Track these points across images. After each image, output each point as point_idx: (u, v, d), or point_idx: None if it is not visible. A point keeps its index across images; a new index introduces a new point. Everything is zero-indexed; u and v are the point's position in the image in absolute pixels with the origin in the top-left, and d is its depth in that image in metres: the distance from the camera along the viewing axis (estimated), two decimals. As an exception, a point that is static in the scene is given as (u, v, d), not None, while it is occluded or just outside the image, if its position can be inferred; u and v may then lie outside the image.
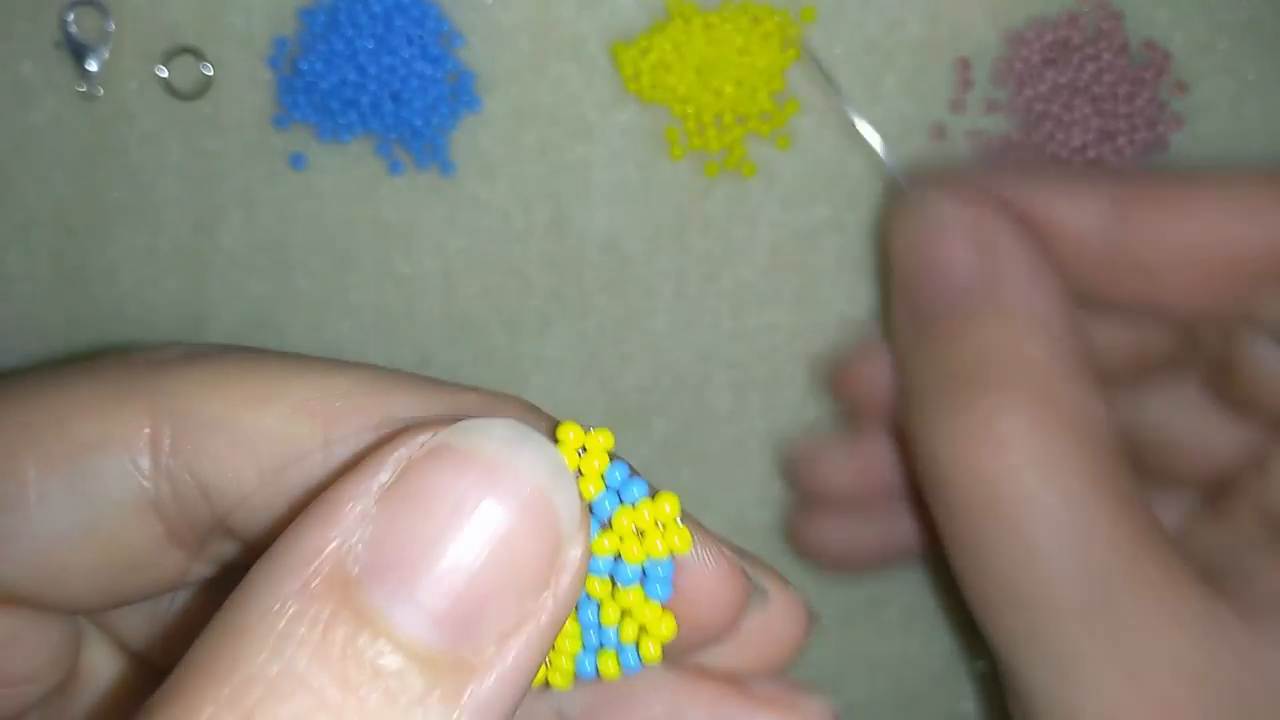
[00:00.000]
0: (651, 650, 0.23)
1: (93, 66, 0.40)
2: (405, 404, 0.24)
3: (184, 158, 0.41)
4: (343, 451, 0.23)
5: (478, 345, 0.42)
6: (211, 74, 0.40)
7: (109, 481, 0.24)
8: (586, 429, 0.22)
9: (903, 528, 0.40)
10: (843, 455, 0.40)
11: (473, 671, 0.19)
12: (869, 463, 0.40)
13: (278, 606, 0.18)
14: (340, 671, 0.18)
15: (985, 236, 0.35)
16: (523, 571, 0.19)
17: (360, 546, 0.19)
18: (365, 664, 0.18)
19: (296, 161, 0.41)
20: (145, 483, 0.24)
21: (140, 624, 0.29)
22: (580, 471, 0.22)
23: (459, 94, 0.40)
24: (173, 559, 0.25)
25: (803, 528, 0.42)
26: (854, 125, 0.34)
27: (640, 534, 0.23)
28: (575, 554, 0.20)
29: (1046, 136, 0.41)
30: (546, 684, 0.24)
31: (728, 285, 0.42)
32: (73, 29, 0.39)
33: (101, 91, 0.40)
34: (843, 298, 0.42)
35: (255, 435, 0.23)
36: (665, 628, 0.23)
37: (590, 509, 0.22)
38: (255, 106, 0.40)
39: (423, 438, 0.20)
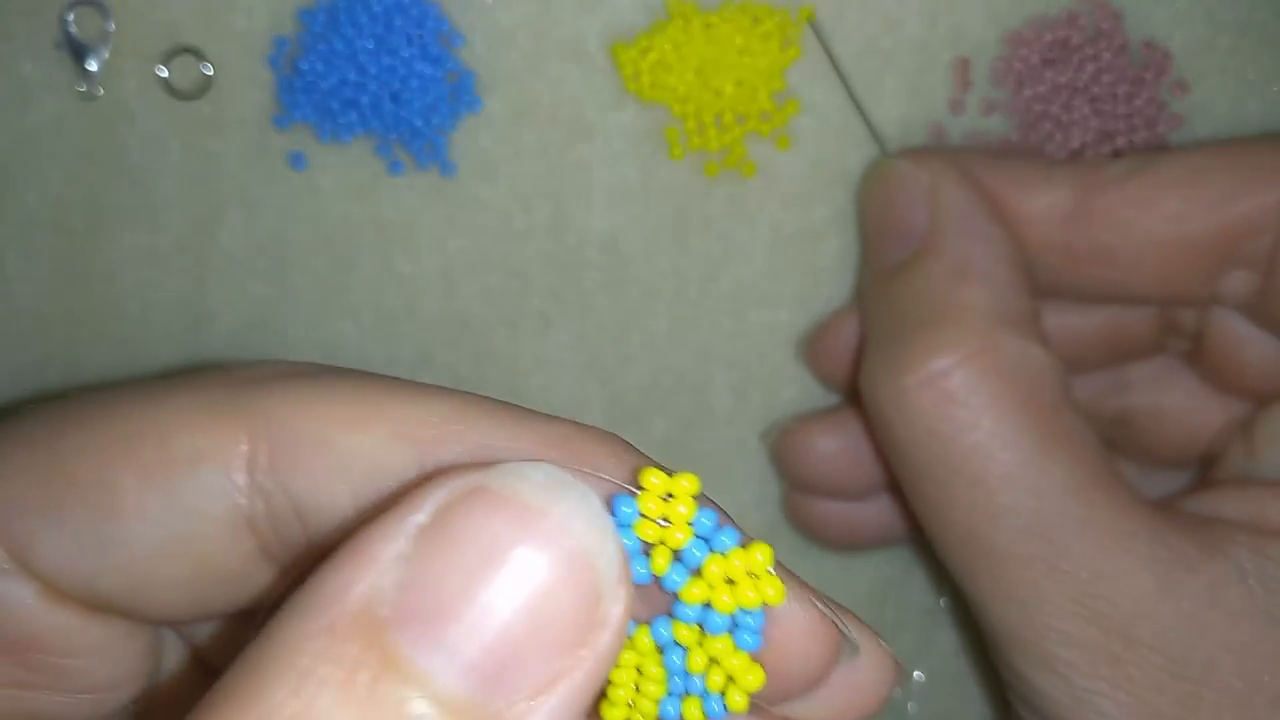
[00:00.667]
0: (738, 700, 0.23)
1: (93, 66, 0.40)
2: (499, 433, 0.23)
3: (184, 158, 0.41)
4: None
5: (478, 345, 0.42)
6: (211, 74, 0.40)
7: (205, 496, 0.24)
8: (670, 473, 0.22)
9: (898, 504, 0.40)
10: (825, 436, 0.40)
11: None
12: (851, 441, 0.39)
13: (302, 644, 0.18)
14: (363, 715, 0.17)
15: (934, 193, 0.36)
16: (558, 625, 0.19)
17: (392, 588, 0.18)
18: (390, 709, 0.18)
19: (296, 161, 0.41)
20: (241, 499, 0.24)
21: (211, 626, 0.29)
22: (667, 519, 0.22)
23: (459, 94, 0.40)
24: (264, 574, 0.25)
25: (800, 509, 0.42)
26: (851, 95, 0.35)
27: (731, 583, 0.22)
28: (615, 611, 0.19)
29: (1046, 136, 0.41)
30: None
31: (728, 285, 0.42)
32: (73, 29, 0.39)
33: (101, 91, 0.40)
34: (843, 298, 0.42)
35: (351, 457, 0.23)
36: (753, 678, 0.23)
37: (679, 556, 0.22)
38: (255, 106, 0.40)
39: (462, 480, 0.19)
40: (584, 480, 0.21)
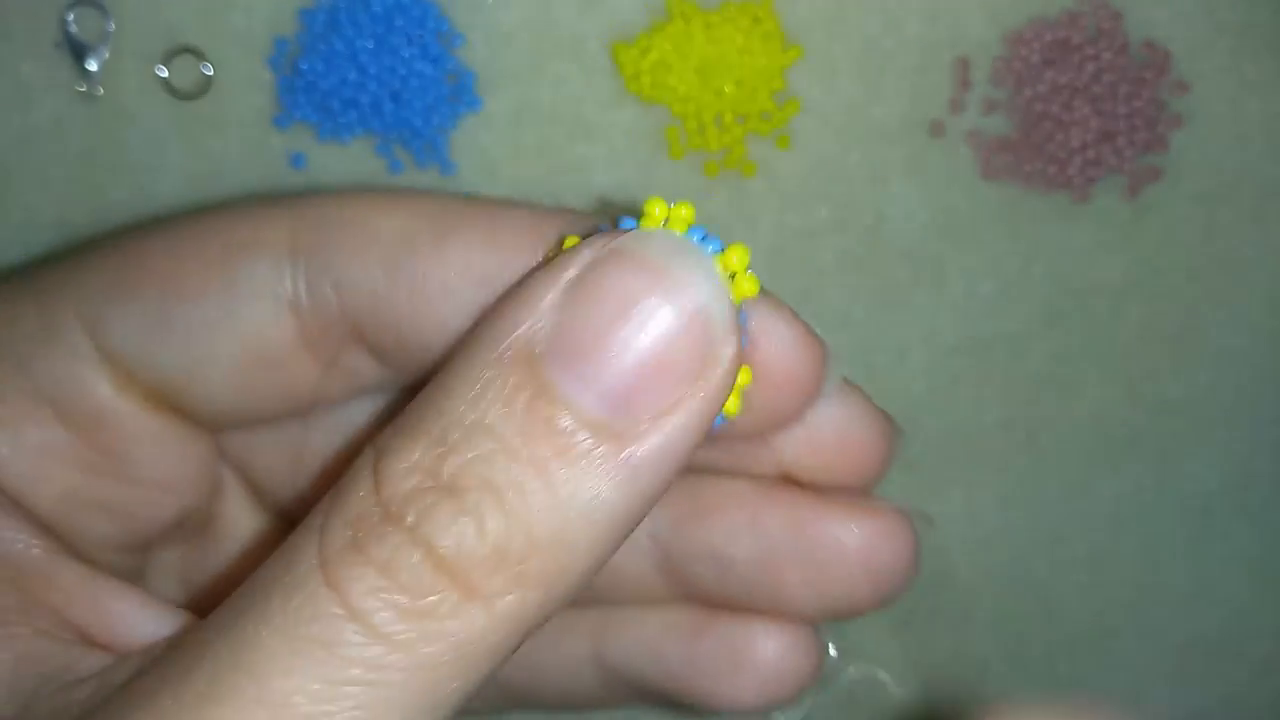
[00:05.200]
0: (731, 403, 0.24)
1: (93, 66, 0.40)
2: (508, 215, 0.27)
3: (184, 158, 0.41)
4: (455, 251, 0.27)
5: (478, 345, 0.42)
6: (211, 74, 0.40)
7: (255, 278, 0.27)
8: (670, 204, 0.24)
9: None
10: None
11: (630, 440, 0.22)
12: None
13: (476, 371, 0.22)
14: (521, 426, 0.22)
15: None
16: (676, 362, 0.22)
17: (545, 329, 0.22)
18: (541, 422, 0.22)
19: (296, 161, 0.41)
20: (285, 280, 0.27)
21: (282, 473, 0.32)
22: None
23: (459, 94, 0.40)
24: (306, 366, 0.28)
25: None
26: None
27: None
28: (727, 353, 0.23)
29: (1046, 136, 0.41)
30: None
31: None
32: (73, 29, 0.39)
33: (101, 91, 0.40)
34: (843, 298, 0.42)
35: (382, 231, 0.27)
36: (742, 376, 0.25)
37: None
38: (255, 106, 0.40)
39: (603, 241, 0.23)
40: (603, 221, 0.25)
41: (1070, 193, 0.42)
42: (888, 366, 0.43)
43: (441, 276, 0.27)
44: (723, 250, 0.24)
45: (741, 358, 0.24)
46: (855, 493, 0.30)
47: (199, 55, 0.40)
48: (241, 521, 0.32)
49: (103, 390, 0.28)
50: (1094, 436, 0.44)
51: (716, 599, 0.31)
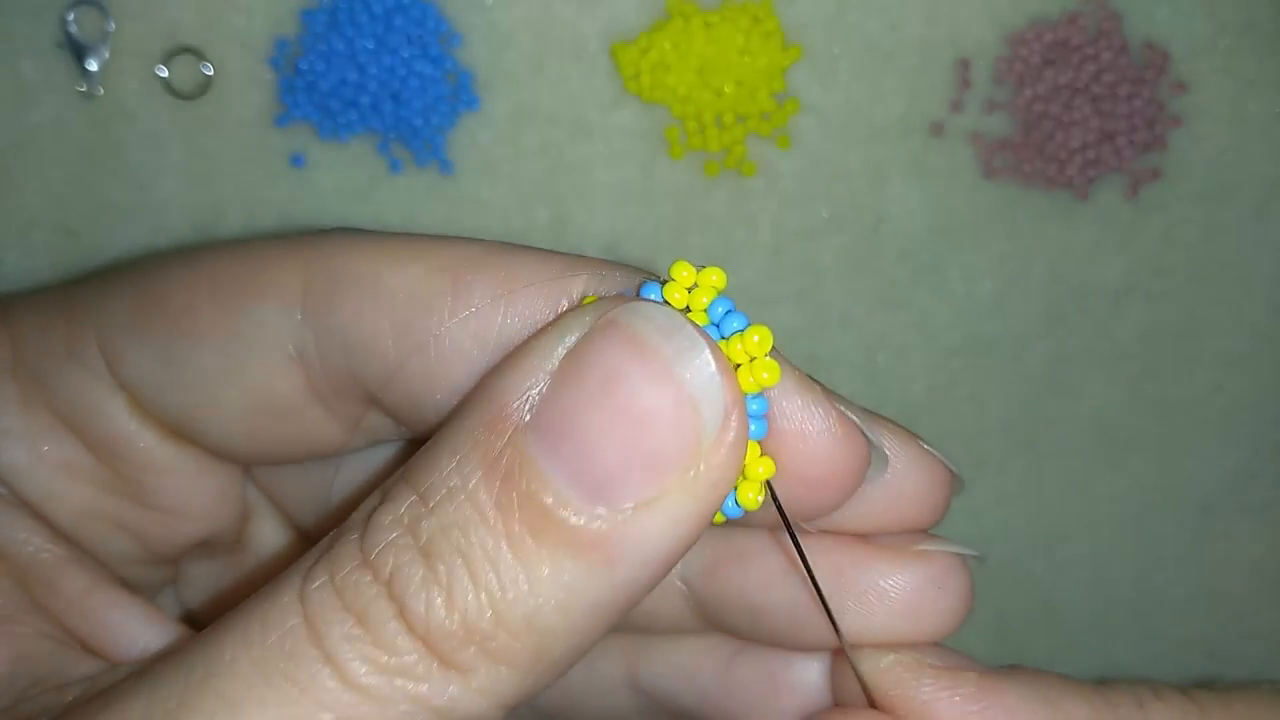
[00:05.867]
0: (750, 497, 0.23)
1: (93, 66, 0.40)
2: (524, 267, 0.25)
3: (184, 158, 0.41)
4: (469, 307, 0.25)
5: (478, 345, 0.42)
6: (211, 74, 0.40)
7: (265, 327, 0.27)
8: (699, 268, 0.23)
9: None
10: None
11: (609, 527, 0.21)
12: None
13: (466, 434, 0.22)
14: (500, 497, 0.21)
15: None
16: (664, 450, 0.21)
17: (537, 398, 0.21)
18: (521, 496, 0.21)
19: (296, 161, 0.41)
20: (295, 332, 0.27)
21: (310, 504, 0.31)
22: (689, 307, 0.23)
23: (458, 93, 0.40)
24: (314, 416, 0.28)
25: None
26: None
27: (735, 368, 0.22)
28: (723, 442, 0.21)
29: (1046, 136, 0.41)
30: None
31: (728, 285, 0.42)
32: (73, 29, 0.39)
33: (101, 91, 0.40)
34: (843, 298, 0.42)
35: (393, 288, 0.26)
36: (763, 469, 0.23)
37: None
38: (255, 106, 0.40)
39: (600, 310, 0.22)
40: (626, 276, 0.24)
41: (1071, 192, 0.42)
42: (888, 366, 0.43)
43: (455, 339, 0.25)
44: (745, 329, 0.22)
45: (747, 447, 0.22)
46: (903, 535, 0.28)
47: (199, 55, 0.40)
48: (274, 540, 0.32)
49: (121, 417, 0.28)
50: (1094, 436, 0.44)
51: (750, 638, 0.30)
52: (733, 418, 0.21)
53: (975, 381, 0.43)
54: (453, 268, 0.26)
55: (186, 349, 0.27)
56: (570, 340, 0.22)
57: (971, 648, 0.44)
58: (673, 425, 0.21)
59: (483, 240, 0.27)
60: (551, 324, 0.23)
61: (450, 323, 0.25)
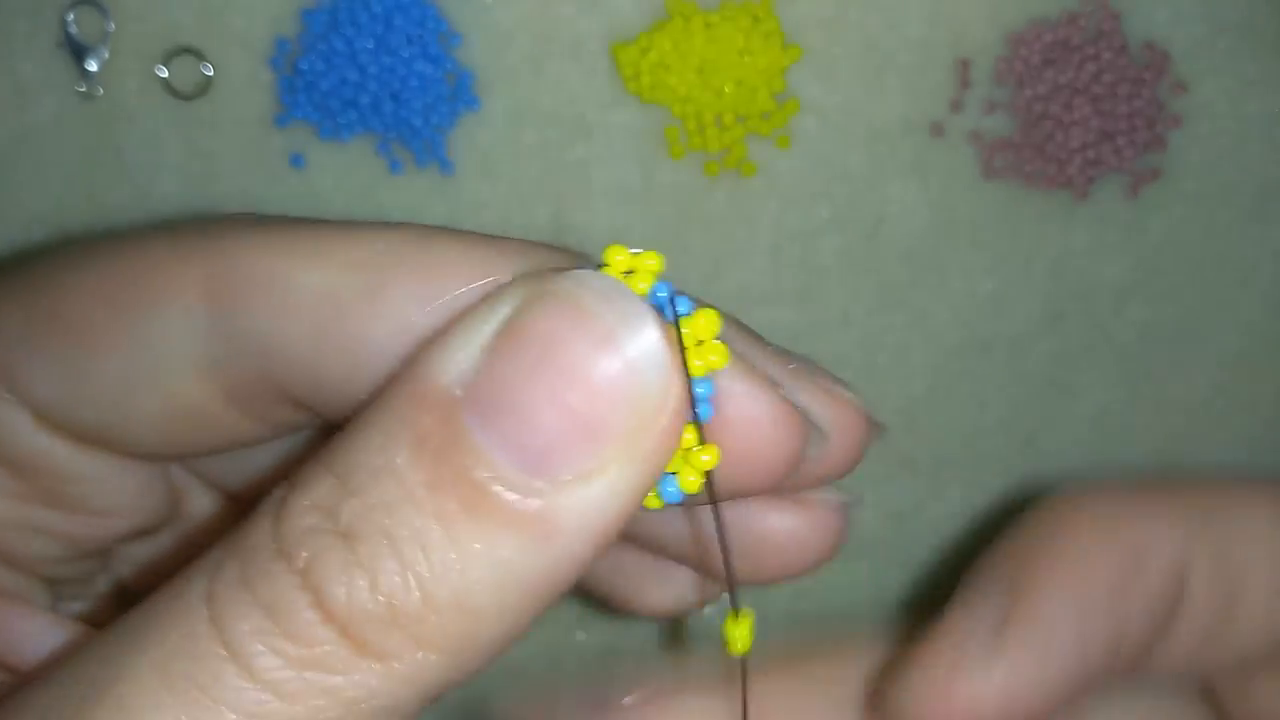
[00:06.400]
0: (691, 480, 0.22)
1: (93, 66, 0.40)
2: (447, 257, 0.24)
3: (184, 158, 0.41)
4: (392, 304, 0.24)
5: (478, 345, 0.42)
6: (211, 74, 0.40)
7: (170, 334, 0.25)
8: (635, 252, 0.22)
9: None
10: None
11: (546, 501, 0.20)
12: None
13: (390, 412, 0.21)
14: (430, 474, 0.20)
15: None
16: (604, 421, 0.20)
17: (469, 373, 0.21)
18: (451, 472, 0.20)
19: (296, 161, 0.41)
20: (203, 338, 0.25)
21: (238, 472, 0.31)
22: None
23: (458, 93, 0.40)
24: (233, 418, 0.26)
25: None
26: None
27: (683, 351, 0.22)
28: (663, 416, 0.21)
29: (1046, 136, 0.41)
30: None
31: (728, 285, 0.42)
32: (73, 29, 0.39)
33: (101, 91, 0.40)
34: (843, 298, 0.42)
35: (306, 290, 0.24)
36: (708, 456, 0.22)
37: None
38: (255, 106, 0.40)
39: (536, 282, 0.21)
40: (556, 259, 0.23)
41: (1071, 192, 0.42)
42: (888, 366, 0.43)
43: (374, 335, 0.24)
44: (692, 312, 0.22)
45: (684, 427, 0.21)
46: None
47: (199, 55, 0.40)
48: (206, 507, 0.32)
49: (26, 432, 0.27)
50: (1094, 436, 0.44)
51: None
52: (674, 387, 0.21)
53: (975, 381, 0.43)
54: (368, 265, 0.24)
55: (87, 363, 0.26)
56: (504, 311, 0.21)
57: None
58: (616, 394, 0.20)
59: (399, 227, 0.25)
60: (486, 300, 0.22)
61: (370, 325, 0.24)
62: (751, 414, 0.24)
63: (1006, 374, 0.43)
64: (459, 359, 0.21)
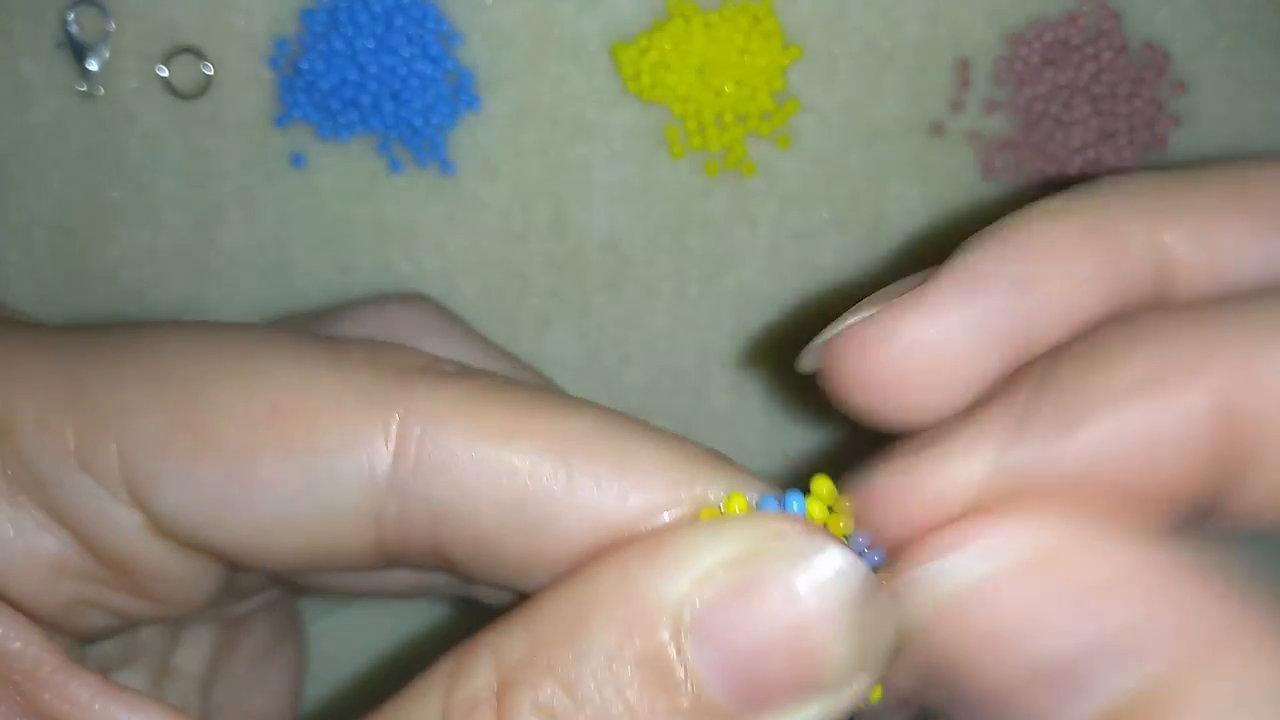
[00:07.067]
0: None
1: (93, 66, 0.40)
2: (640, 453, 0.25)
3: (184, 158, 0.41)
4: (584, 494, 0.24)
5: (478, 345, 0.42)
6: (211, 74, 0.40)
7: (341, 487, 0.24)
8: (841, 492, 0.24)
9: None
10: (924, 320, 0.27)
11: None
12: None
13: (617, 625, 0.22)
14: (653, 697, 0.22)
15: None
16: (813, 679, 0.22)
17: (694, 600, 0.22)
18: (670, 700, 0.21)
19: (296, 161, 0.41)
20: (377, 496, 0.24)
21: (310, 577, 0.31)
22: (826, 525, 0.23)
23: (458, 93, 0.40)
24: (372, 560, 0.26)
25: None
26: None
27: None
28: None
29: (1046, 136, 0.41)
30: None
31: (728, 285, 0.42)
32: (73, 29, 0.39)
33: (101, 91, 0.40)
34: (842, 298, 0.42)
35: (501, 469, 0.24)
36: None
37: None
38: (255, 106, 0.40)
39: (770, 530, 0.22)
40: (747, 480, 0.24)
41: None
42: (888, 366, 0.43)
43: (563, 523, 0.24)
44: (885, 563, 0.24)
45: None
46: None
47: (199, 55, 0.40)
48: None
49: (133, 534, 0.26)
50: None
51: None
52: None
53: (975, 381, 0.43)
54: (566, 449, 0.24)
55: (237, 492, 0.25)
56: (736, 551, 0.22)
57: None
58: (841, 656, 0.22)
59: (589, 408, 0.25)
60: (708, 526, 0.23)
61: (562, 514, 0.24)
62: None
63: (1006, 374, 0.43)
64: (685, 584, 0.22)
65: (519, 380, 0.26)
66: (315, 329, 0.35)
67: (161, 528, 0.25)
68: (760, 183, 0.41)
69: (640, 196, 0.41)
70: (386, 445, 0.24)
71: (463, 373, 0.26)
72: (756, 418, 0.43)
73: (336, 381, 0.25)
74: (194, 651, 0.32)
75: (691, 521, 0.23)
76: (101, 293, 0.41)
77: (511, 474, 0.24)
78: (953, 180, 0.42)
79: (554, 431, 0.24)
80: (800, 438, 0.43)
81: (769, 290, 0.42)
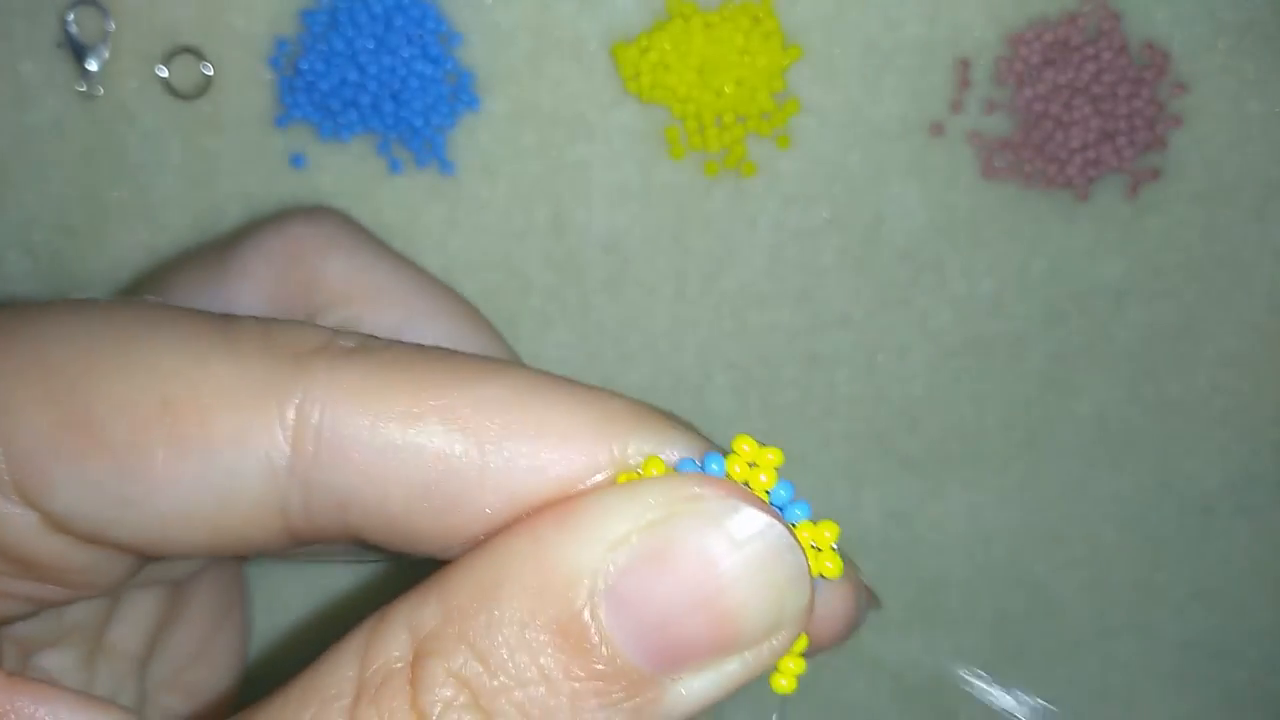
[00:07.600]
0: (784, 684, 0.24)
1: (93, 66, 0.40)
2: (557, 419, 0.24)
3: (184, 158, 0.41)
4: (498, 469, 0.23)
5: (478, 345, 0.42)
6: (211, 74, 0.40)
7: (240, 480, 0.24)
8: (761, 444, 0.23)
9: None
10: None
11: (666, 694, 0.22)
12: None
13: (532, 595, 0.22)
14: (570, 665, 0.21)
15: None
16: (734, 637, 0.22)
17: (608, 569, 0.22)
18: (588, 668, 0.21)
19: (296, 161, 0.41)
20: (279, 487, 0.24)
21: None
22: (747, 483, 0.23)
23: (458, 93, 0.40)
24: (281, 545, 0.25)
25: None
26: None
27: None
28: (782, 641, 0.22)
29: (1046, 136, 0.41)
30: None
31: (728, 285, 0.42)
32: (73, 29, 0.39)
33: (101, 91, 0.40)
34: (843, 298, 0.42)
35: (406, 454, 0.23)
36: (799, 644, 0.24)
37: None
38: (255, 106, 0.40)
39: (688, 490, 0.22)
40: (672, 435, 0.24)
41: (1071, 192, 0.42)
42: (888, 366, 0.43)
43: (478, 502, 0.23)
44: (812, 519, 0.23)
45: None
46: None
47: (199, 55, 0.40)
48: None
49: (30, 534, 0.25)
50: (1094, 436, 0.44)
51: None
52: (808, 614, 0.23)
53: (975, 381, 0.43)
54: (477, 424, 0.23)
55: (134, 490, 0.23)
56: (645, 516, 0.22)
57: (972, 648, 0.44)
58: (758, 616, 0.22)
59: (504, 375, 0.24)
60: (622, 490, 0.22)
61: (475, 494, 0.23)
62: (837, 607, 0.25)
63: (1006, 374, 0.43)
64: (600, 553, 0.22)
65: (426, 347, 0.25)
66: (219, 257, 0.33)
67: (58, 526, 0.25)
68: (760, 183, 0.41)
69: (640, 196, 0.41)
70: (284, 436, 0.23)
71: (364, 349, 0.24)
72: (756, 418, 0.43)
73: (229, 370, 0.24)
74: (131, 627, 0.31)
75: (608, 486, 0.23)
76: (101, 293, 0.41)
77: (419, 456, 0.23)
78: (953, 180, 0.42)
79: (463, 405, 0.23)
80: (800, 438, 0.43)
81: (769, 290, 0.42)
